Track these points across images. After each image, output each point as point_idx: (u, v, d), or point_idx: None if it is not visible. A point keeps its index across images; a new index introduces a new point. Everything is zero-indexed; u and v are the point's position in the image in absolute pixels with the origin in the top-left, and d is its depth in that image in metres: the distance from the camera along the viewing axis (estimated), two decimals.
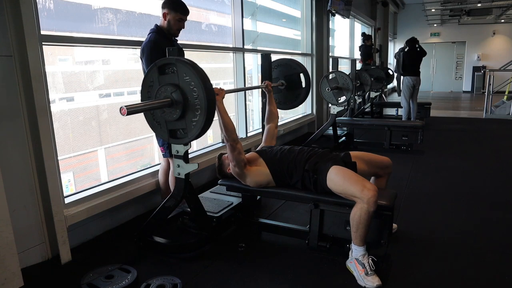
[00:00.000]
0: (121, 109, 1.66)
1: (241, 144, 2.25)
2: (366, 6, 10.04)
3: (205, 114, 1.81)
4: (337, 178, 2.01)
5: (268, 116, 2.83)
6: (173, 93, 1.82)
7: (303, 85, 3.27)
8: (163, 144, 2.54)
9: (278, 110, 2.97)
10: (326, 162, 2.10)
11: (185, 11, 2.52)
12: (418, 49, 6.38)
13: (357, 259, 1.96)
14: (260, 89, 3.04)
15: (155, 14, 3.05)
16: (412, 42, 6.42)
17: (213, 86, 1.95)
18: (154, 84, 1.90)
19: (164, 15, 2.49)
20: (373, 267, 1.94)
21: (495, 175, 3.81)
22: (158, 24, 2.53)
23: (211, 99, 1.82)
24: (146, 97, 1.94)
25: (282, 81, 3.22)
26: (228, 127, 2.16)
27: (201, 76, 1.79)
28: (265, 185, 2.28)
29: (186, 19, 2.56)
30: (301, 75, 3.27)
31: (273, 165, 2.25)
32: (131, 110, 1.69)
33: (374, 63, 7.95)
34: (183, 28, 2.58)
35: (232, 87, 4.15)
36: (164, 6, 2.49)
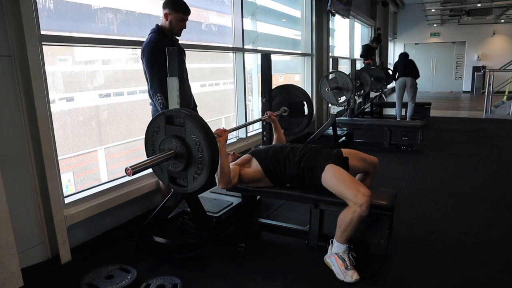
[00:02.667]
0: (126, 170, 1.64)
1: (234, 183, 2.20)
2: (366, 6, 10.04)
3: (207, 172, 1.84)
4: (333, 180, 2.02)
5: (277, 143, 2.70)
6: (178, 146, 1.84)
7: (306, 113, 3.24)
8: None
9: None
10: (321, 160, 2.11)
11: (187, 11, 2.52)
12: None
13: (337, 254, 2.00)
14: (260, 90, 3.03)
15: (155, 14, 3.05)
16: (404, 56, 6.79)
17: (217, 128, 1.99)
18: (160, 131, 1.92)
19: (166, 15, 2.49)
20: (353, 263, 1.98)
21: (495, 175, 3.80)
22: (159, 24, 2.53)
23: (215, 160, 1.85)
24: (151, 141, 1.97)
25: (284, 107, 3.20)
26: (224, 171, 2.10)
27: (208, 137, 1.80)
28: (258, 179, 2.27)
29: (187, 19, 2.56)
30: (305, 103, 3.22)
31: (266, 163, 2.24)
32: (136, 170, 1.69)
33: (375, 63, 7.96)
34: (185, 28, 2.58)
35: (232, 86, 4.14)
36: (165, 6, 2.49)
